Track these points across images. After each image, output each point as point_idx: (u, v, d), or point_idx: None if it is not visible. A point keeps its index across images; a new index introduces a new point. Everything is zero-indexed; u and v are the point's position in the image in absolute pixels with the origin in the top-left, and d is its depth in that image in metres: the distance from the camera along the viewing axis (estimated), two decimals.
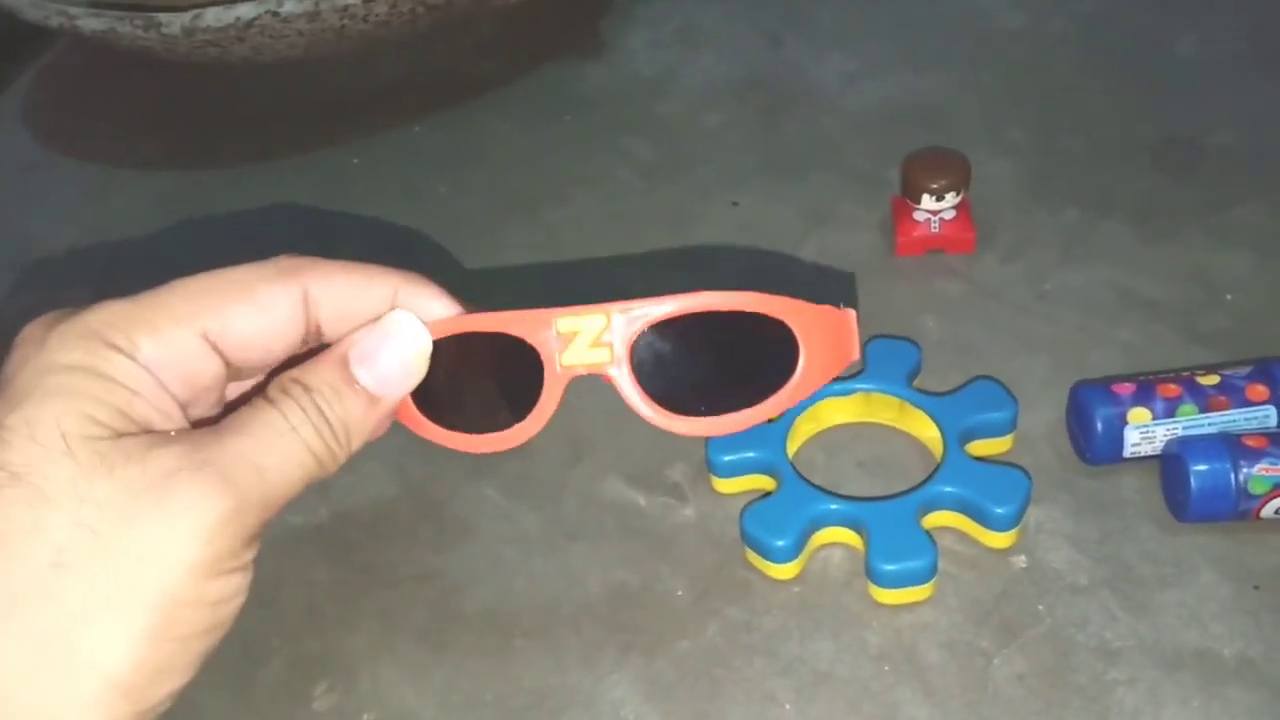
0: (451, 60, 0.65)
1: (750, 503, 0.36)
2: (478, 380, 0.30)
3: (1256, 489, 0.34)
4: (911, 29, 0.62)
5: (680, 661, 0.34)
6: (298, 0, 0.50)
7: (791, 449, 0.38)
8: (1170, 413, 0.36)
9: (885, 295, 0.45)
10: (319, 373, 0.27)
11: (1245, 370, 0.37)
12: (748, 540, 0.36)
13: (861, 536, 0.35)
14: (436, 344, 0.29)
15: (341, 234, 0.54)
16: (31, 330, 0.26)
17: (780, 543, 0.35)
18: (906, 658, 0.33)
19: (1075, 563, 0.35)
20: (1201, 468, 0.34)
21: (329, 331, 0.28)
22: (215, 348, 0.26)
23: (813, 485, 0.36)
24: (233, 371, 0.27)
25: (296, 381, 0.27)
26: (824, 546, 0.36)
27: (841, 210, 0.50)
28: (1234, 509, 0.34)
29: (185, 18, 0.50)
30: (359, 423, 0.27)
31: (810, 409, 0.39)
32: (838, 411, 0.40)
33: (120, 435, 0.24)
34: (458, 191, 0.55)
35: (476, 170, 0.57)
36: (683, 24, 0.65)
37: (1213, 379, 0.37)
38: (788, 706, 0.33)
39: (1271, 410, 0.36)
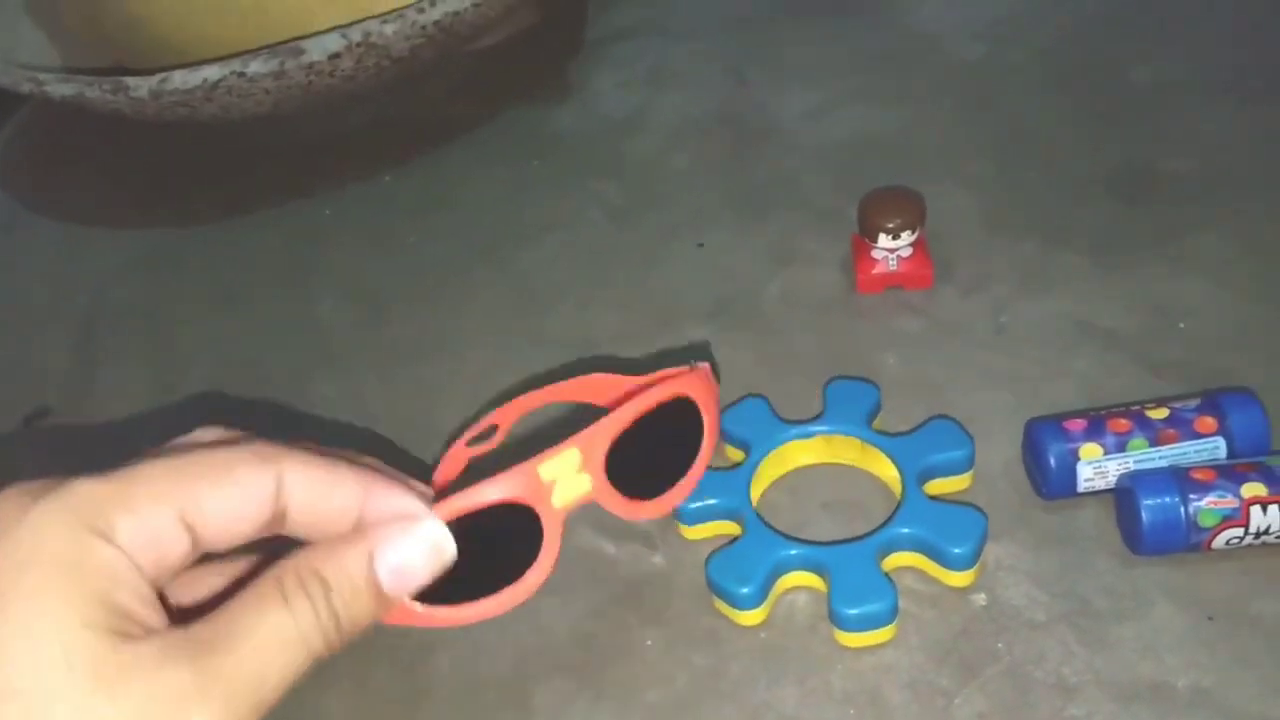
0: (420, 107, 0.66)
1: (714, 551, 0.37)
2: (482, 547, 0.30)
3: (1206, 522, 0.35)
4: (872, 63, 0.63)
5: (650, 712, 0.35)
6: (263, 61, 0.51)
7: (756, 493, 0.39)
8: (1121, 447, 0.37)
9: (847, 333, 0.46)
10: (343, 568, 0.27)
11: (1194, 403, 0.38)
12: (713, 588, 0.36)
13: (824, 580, 0.36)
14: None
15: (315, 286, 0.54)
16: (4, 509, 0.25)
17: (744, 590, 0.35)
18: (870, 700, 0.34)
19: (1033, 598, 0.36)
20: (1151, 502, 0.35)
21: (292, 520, 0.28)
22: (190, 528, 0.26)
23: (775, 531, 0.37)
24: (197, 551, 0.27)
25: (316, 575, 0.26)
26: (789, 591, 0.37)
27: (804, 249, 0.51)
28: (1186, 541, 0.35)
29: (152, 81, 0.51)
30: (366, 619, 0.27)
31: (773, 453, 0.40)
32: (801, 454, 0.41)
33: (115, 636, 0.24)
34: (429, 238, 0.56)
35: (448, 216, 0.57)
36: (651, 65, 0.66)
37: (1162, 412, 0.37)
38: None
39: (1220, 442, 0.37)
